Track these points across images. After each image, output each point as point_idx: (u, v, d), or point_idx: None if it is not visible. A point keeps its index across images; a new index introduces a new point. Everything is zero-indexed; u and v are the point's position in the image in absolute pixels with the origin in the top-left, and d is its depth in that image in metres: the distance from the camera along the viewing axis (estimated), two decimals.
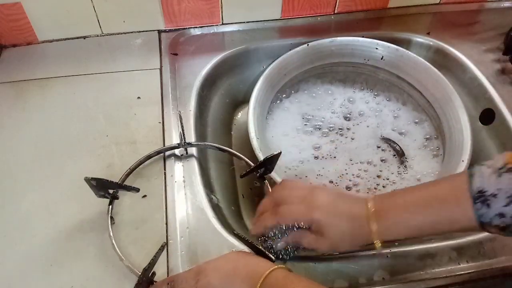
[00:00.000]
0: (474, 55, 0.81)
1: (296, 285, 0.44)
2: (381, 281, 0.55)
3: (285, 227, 0.51)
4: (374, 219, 0.48)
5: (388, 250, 0.58)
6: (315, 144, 0.78)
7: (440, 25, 0.87)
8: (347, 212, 0.50)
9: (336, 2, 0.87)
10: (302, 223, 0.51)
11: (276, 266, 0.46)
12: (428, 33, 0.85)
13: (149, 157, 0.65)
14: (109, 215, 0.59)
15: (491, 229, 0.44)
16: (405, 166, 0.75)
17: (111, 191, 0.60)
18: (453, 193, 0.45)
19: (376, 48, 0.80)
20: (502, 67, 0.79)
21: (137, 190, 0.62)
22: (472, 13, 0.91)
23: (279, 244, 0.53)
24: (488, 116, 0.76)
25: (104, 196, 0.59)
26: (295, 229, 0.51)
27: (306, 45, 0.80)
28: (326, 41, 0.81)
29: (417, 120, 0.80)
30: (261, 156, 0.65)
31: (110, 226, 0.57)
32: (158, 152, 0.66)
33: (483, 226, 0.44)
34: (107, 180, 0.58)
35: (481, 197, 0.43)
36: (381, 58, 0.80)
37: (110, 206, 0.59)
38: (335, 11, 0.89)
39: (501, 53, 0.81)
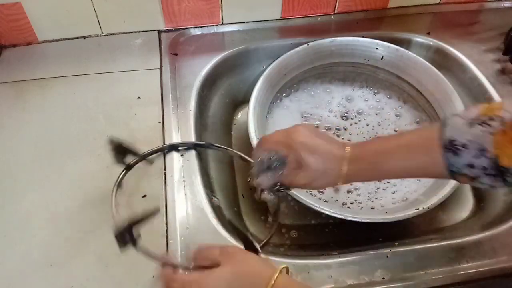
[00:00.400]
0: (474, 55, 0.81)
1: None
2: (381, 281, 0.55)
3: (266, 159, 0.53)
4: (348, 161, 0.49)
5: (388, 250, 0.58)
6: None
7: (440, 25, 0.87)
8: (326, 150, 0.51)
9: (336, 2, 0.87)
10: (281, 150, 0.52)
11: (278, 272, 0.45)
12: (428, 33, 0.85)
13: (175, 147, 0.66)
14: (117, 181, 0.59)
15: (460, 178, 0.45)
16: None
17: (128, 160, 0.60)
18: (425, 141, 0.46)
19: (376, 48, 0.80)
20: (502, 67, 0.79)
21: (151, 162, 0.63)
22: (472, 13, 0.91)
23: (260, 179, 0.54)
24: None
25: (120, 161, 0.60)
26: (275, 164, 0.53)
27: (306, 45, 0.80)
28: (326, 41, 0.81)
29: (418, 120, 0.80)
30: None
31: (115, 190, 0.58)
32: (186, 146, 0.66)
33: (453, 175, 0.45)
34: (130, 149, 0.59)
35: (451, 147, 0.43)
36: (381, 58, 0.80)
37: (122, 174, 0.60)
38: (335, 11, 0.89)
39: (501, 53, 0.81)
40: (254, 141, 0.67)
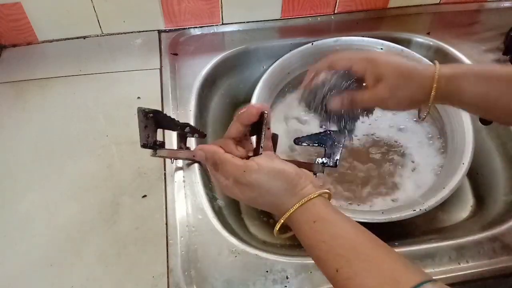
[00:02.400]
0: (474, 55, 0.81)
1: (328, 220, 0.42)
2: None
3: (335, 81, 0.49)
4: (441, 78, 0.48)
5: None
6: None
7: (440, 25, 0.87)
8: (410, 65, 0.49)
9: (336, 2, 0.87)
10: (358, 64, 0.49)
11: (319, 192, 0.43)
12: (428, 33, 0.85)
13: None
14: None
15: None
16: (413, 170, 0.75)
17: (155, 140, 0.53)
18: None
19: (381, 48, 0.79)
20: None
21: (204, 135, 0.57)
22: (472, 13, 0.91)
23: (332, 101, 0.50)
24: None
25: (146, 142, 0.53)
26: (345, 83, 0.49)
27: (310, 44, 0.79)
28: (330, 40, 0.80)
29: (415, 119, 0.80)
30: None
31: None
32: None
33: None
34: (168, 116, 0.53)
35: None
36: None
37: (153, 153, 0.56)
38: (335, 11, 0.89)
39: (501, 53, 0.81)
40: (253, 139, 0.67)
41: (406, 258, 0.39)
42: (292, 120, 0.81)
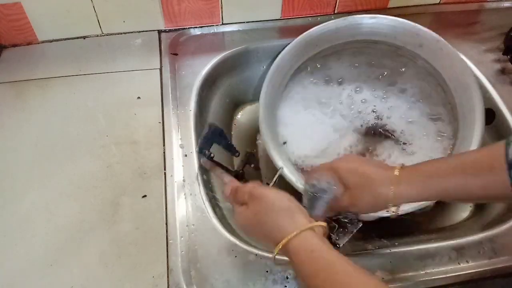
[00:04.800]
0: (474, 55, 0.81)
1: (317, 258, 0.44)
2: (381, 281, 0.55)
3: (320, 185, 0.53)
4: (397, 181, 0.49)
5: (388, 250, 0.58)
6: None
7: (440, 25, 0.87)
8: (371, 170, 0.51)
9: (336, 2, 0.87)
10: (327, 176, 0.52)
11: (318, 223, 0.46)
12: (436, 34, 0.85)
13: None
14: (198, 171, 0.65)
15: None
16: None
17: (208, 150, 0.63)
18: (488, 160, 0.46)
19: (417, 34, 0.75)
20: (502, 67, 0.79)
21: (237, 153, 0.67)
22: (472, 13, 0.91)
23: (314, 212, 0.54)
24: (488, 116, 0.75)
25: (201, 150, 0.63)
26: (322, 192, 0.53)
27: (342, 19, 0.76)
28: (366, 16, 0.77)
29: (431, 116, 0.78)
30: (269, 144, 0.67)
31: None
32: None
33: None
34: (223, 135, 0.64)
35: None
36: (420, 46, 0.76)
37: (203, 160, 0.64)
38: (335, 11, 0.89)
39: (501, 53, 0.81)
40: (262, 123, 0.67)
41: None
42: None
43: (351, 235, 0.56)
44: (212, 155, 0.63)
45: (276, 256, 0.46)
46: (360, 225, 0.57)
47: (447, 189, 0.48)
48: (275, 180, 0.63)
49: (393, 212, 0.51)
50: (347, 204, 0.52)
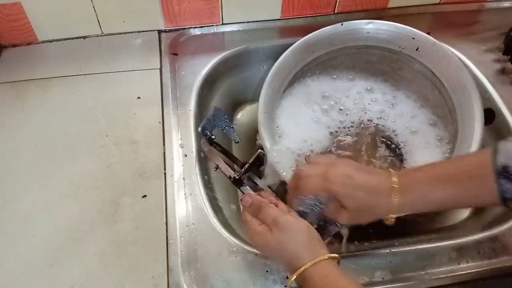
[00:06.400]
0: (474, 55, 0.81)
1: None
2: (381, 281, 0.55)
3: (312, 202, 0.53)
4: (397, 193, 0.48)
5: (387, 250, 0.58)
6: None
7: (440, 25, 0.87)
8: (365, 185, 0.50)
9: (336, 2, 0.87)
10: (321, 195, 0.52)
11: (333, 255, 0.48)
12: (428, 33, 0.84)
13: None
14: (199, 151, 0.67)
15: None
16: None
17: (210, 132, 0.66)
18: (477, 168, 0.46)
19: (413, 38, 0.75)
20: (502, 67, 0.79)
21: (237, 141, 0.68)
22: (472, 13, 0.91)
23: (309, 219, 0.53)
24: (488, 116, 0.75)
25: (203, 131, 0.65)
26: (320, 203, 0.52)
27: (340, 24, 0.76)
28: (362, 22, 0.76)
29: (431, 121, 0.78)
30: (267, 146, 0.66)
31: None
32: None
33: (505, 202, 0.44)
34: (227, 118, 0.66)
35: (505, 173, 0.43)
36: (416, 49, 0.76)
37: (203, 140, 0.66)
38: (335, 11, 0.89)
39: (501, 53, 0.81)
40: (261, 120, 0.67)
41: None
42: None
43: (330, 237, 0.55)
44: (213, 137, 0.65)
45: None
46: (343, 227, 0.55)
47: (440, 199, 0.48)
48: (252, 161, 0.64)
49: (392, 220, 0.51)
50: (347, 222, 0.52)
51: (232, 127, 0.67)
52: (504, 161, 0.43)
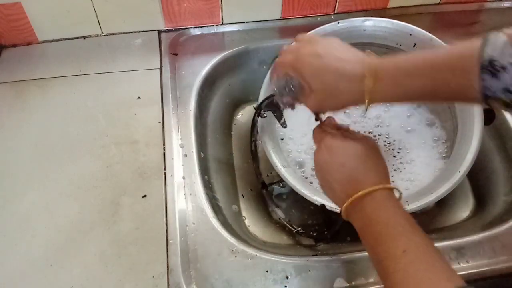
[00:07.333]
0: None
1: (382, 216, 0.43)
2: (381, 281, 0.55)
3: (283, 82, 0.50)
4: (369, 79, 0.45)
5: None
6: None
7: (440, 25, 0.87)
8: (334, 66, 0.46)
9: (336, 2, 0.87)
10: (290, 74, 0.49)
11: (396, 186, 0.46)
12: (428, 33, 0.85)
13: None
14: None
15: (494, 103, 0.40)
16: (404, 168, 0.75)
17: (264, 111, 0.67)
18: (460, 59, 0.42)
19: (410, 34, 0.74)
20: None
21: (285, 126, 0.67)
22: (472, 13, 0.91)
23: (279, 100, 0.53)
24: (488, 116, 0.75)
25: (259, 107, 0.67)
26: (291, 89, 0.50)
27: (336, 23, 0.75)
28: (359, 19, 0.76)
29: (428, 121, 0.78)
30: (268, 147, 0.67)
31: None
32: None
33: (486, 99, 0.40)
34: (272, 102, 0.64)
35: (489, 67, 0.39)
36: (414, 46, 0.75)
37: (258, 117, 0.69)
38: (335, 11, 0.89)
39: None
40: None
41: None
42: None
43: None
44: (265, 115, 0.67)
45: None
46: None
47: (416, 89, 0.44)
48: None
49: (364, 110, 0.47)
50: (313, 105, 0.49)
51: (282, 114, 0.66)
52: (491, 53, 0.39)
